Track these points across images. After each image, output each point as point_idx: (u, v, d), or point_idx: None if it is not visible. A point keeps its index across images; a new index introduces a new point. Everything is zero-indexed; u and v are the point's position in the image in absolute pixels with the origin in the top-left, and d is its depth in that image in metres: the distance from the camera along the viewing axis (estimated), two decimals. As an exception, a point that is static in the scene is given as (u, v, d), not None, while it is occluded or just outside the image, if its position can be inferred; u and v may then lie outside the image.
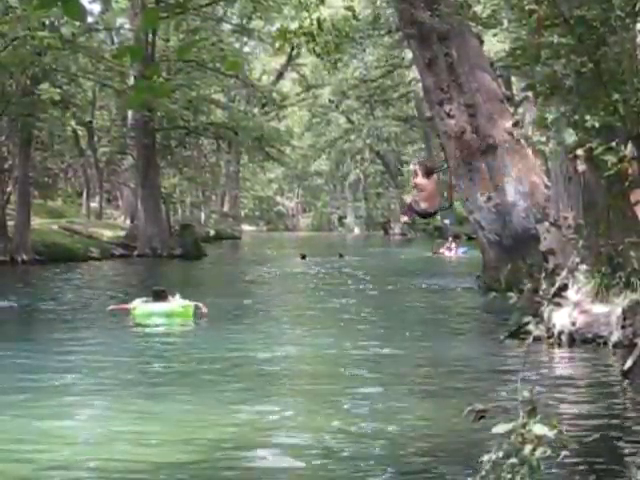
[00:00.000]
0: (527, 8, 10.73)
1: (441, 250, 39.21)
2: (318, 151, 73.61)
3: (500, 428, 4.31)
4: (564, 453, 4.51)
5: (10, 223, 31.86)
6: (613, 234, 12.70)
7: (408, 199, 21.09)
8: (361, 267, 31.24)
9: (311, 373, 10.96)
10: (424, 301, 19.70)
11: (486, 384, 10.25)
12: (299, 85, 66.79)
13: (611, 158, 9.86)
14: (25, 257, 30.53)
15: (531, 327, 7.74)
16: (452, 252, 38.38)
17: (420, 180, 20.75)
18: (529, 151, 21.00)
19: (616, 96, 10.84)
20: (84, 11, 3.30)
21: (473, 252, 30.73)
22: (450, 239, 41.76)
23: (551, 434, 4.23)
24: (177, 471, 6.76)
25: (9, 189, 33.33)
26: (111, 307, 16.48)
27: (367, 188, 76.46)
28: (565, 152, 12.75)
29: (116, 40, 44.95)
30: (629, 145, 11.84)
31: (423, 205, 20.53)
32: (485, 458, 4.27)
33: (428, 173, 20.44)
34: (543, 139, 12.30)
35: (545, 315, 12.26)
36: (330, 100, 63.52)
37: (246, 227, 75.52)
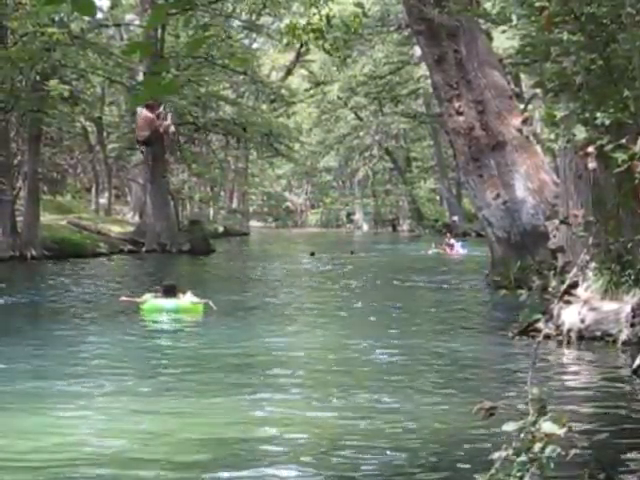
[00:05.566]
0: (537, 5, 10.70)
1: (440, 246, 38.65)
2: (327, 148, 73.41)
3: (510, 426, 4.30)
4: (574, 451, 4.50)
5: (19, 219, 31.91)
6: (623, 232, 12.67)
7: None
8: (370, 264, 31.22)
9: (319, 369, 10.96)
10: (433, 298, 19.69)
11: (495, 381, 10.25)
12: (308, 81, 66.67)
13: (621, 155, 9.81)
14: (34, 253, 30.55)
15: (541, 325, 7.72)
16: (453, 250, 38.05)
17: (138, 117, 27.84)
18: (538, 148, 20.97)
19: (626, 93, 10.80)
20: (94, 7, 3.30)
21: (481, 248, 30.64)
22: (449, 235, 41.40)
23: (561, 432, 4.22)
24: (180, 466, 6.76)
25: (18, 185, 33.35)
26: (122, 298, 16.52)
27: (375, 185, 76.23)
28: (574, 149, 12.72)
29: (125, 36, 44.98)
30: (639, 142, 11.81)
31: (140, 134, 27.70)
32: (495, 456, 4.26)
33: (148, 107, 26.70)
34: (552, 136, 12.27)
35: (554, 313, 12.30)
36: (339, 97, 63.38)
37: (254, 223, 75.47)
